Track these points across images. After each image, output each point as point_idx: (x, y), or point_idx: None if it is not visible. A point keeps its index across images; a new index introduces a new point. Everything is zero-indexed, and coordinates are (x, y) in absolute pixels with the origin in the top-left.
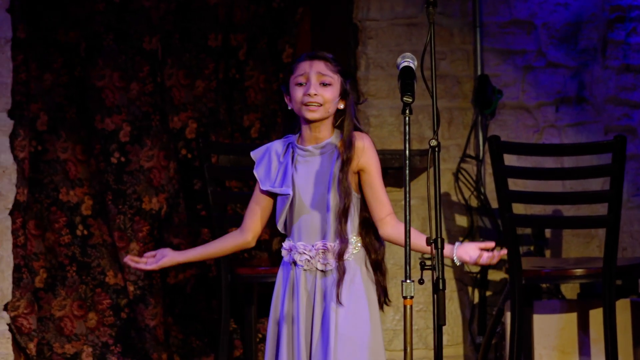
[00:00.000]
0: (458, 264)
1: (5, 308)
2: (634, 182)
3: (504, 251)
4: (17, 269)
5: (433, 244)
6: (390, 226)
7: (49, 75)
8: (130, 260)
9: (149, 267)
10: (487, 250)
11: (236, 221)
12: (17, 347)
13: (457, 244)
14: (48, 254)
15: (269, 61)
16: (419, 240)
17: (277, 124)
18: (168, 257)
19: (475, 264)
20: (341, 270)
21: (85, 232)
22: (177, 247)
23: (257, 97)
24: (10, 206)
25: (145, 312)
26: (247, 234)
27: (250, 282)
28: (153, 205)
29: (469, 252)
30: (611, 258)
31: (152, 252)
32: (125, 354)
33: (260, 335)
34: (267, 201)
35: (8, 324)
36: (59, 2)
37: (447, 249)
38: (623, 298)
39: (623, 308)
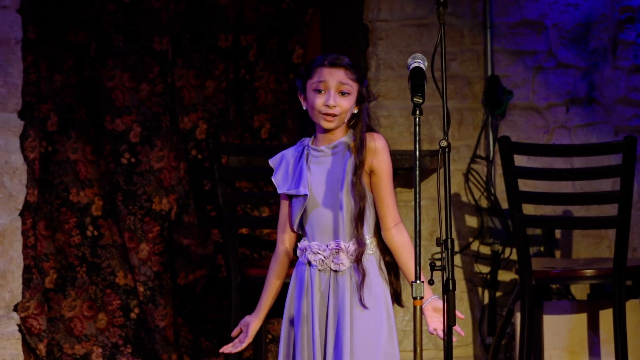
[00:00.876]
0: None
1: (15, 309)
2: None
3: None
4: (27, 270)
5: (443, 245)
6: (390, 236)
7: (59, 75)
8: (227, 349)
9: (245, 343)
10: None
11: (246, 222)
12: (27, 347)
13: (434, 296)
14: (58, 255)
15: (279, 62)
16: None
17: (287, 124)
18: (253, 324)
19: (430, 327)
20: (362, 273)
21: (96, 233)
22: (186, 248)
23: (267, 98)
24: (20, 207)
25: (155, 313)
26: (283, 255)
27: (260, 283)
28: (163, 206)
29: (434, 319)
30: (621, 259)
31: (237, 329)
32: (135, 355)
33: (270, 336)
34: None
35: (18, 325)
36: (69, 2)
37: (426, 293)
38: (633, 299)
39: (633, 309)
